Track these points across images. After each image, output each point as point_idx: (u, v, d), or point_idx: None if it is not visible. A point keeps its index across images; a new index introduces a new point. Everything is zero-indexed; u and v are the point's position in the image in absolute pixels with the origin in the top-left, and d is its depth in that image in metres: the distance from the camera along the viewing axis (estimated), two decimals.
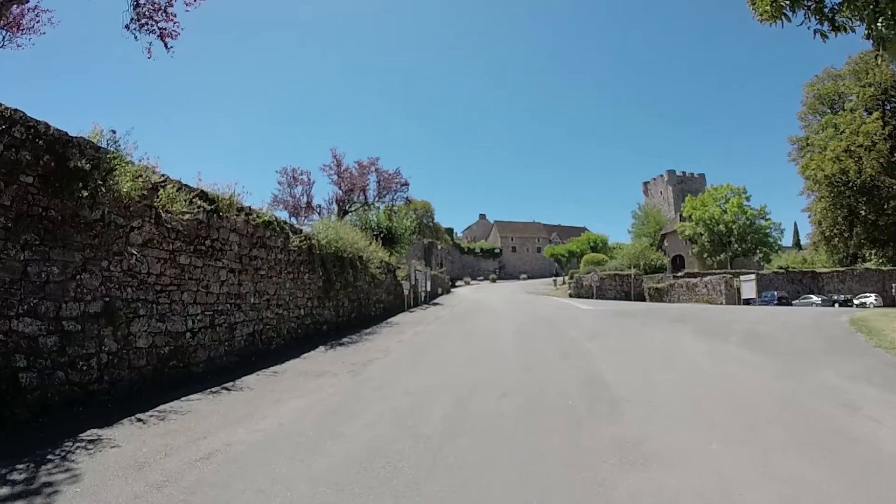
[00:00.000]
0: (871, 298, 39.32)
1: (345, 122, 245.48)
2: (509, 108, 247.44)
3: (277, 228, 11.00)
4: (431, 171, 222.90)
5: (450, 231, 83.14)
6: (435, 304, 26.27)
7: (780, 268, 50.36)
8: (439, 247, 53.48)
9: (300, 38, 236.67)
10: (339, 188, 31.89)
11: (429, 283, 27.15)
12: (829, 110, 36.50)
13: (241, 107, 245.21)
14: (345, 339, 12.03)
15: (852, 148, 30.68)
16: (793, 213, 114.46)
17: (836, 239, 33.71)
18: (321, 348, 10.63)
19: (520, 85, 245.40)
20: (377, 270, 17.34)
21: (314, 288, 12.91)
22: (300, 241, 11.82)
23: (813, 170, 31.74)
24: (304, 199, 33.87)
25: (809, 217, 42.01)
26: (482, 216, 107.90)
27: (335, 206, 31.82)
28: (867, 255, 54.58)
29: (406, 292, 21.15)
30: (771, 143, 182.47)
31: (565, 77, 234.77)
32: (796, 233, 78.85)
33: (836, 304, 37.72)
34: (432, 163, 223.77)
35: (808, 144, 40.40)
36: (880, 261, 53.85)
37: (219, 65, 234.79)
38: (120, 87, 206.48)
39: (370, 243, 17.32)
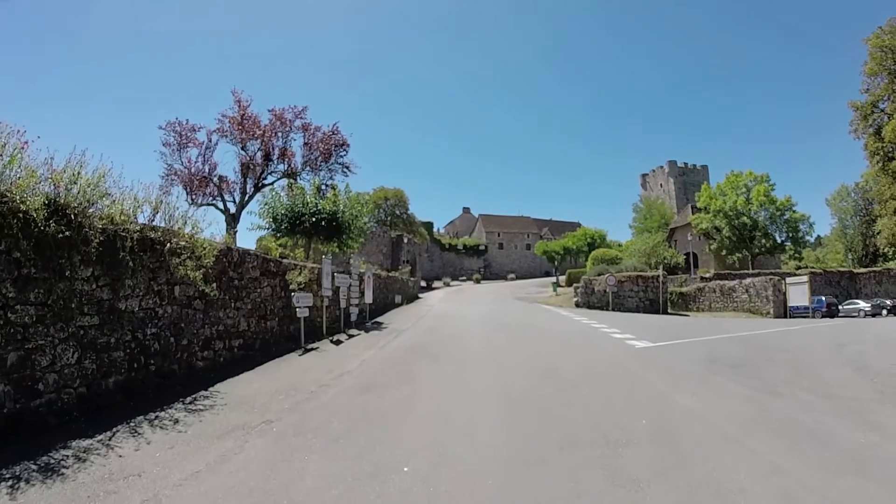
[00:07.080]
0: None
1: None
2: (493, 100, 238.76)
3: None
4: (412, 164, 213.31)
5: (429, 225, 72.98)
6: (377, 324, 16.65)
7: (814, 267, 42.09)
8: (406, 240, 43.53)
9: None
10: (243, 148, 21.73)
11: (368, 291, 17.41)
12: None
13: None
14: None
15: None
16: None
17: None
18: None
19: (505, 78, 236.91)
20: (198, 273, 7.70)
21: None
22: None
23: None
24: (206, 167, 23.86)
25: (877, 205, 33.12)
26: (466, 209, 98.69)
27: (240, 177, 21.84)
28: (889, 253, 46.82)
29: (305, 313, 11.49)
30: (765, 141, 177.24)
31: (553, 71, 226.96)
32: None
33: (885, 312, 29.64)
34: (412, 156, 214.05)
35: (873, 111, 32.00)
36: None
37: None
38: None
39: (190, 210, 7.72)
